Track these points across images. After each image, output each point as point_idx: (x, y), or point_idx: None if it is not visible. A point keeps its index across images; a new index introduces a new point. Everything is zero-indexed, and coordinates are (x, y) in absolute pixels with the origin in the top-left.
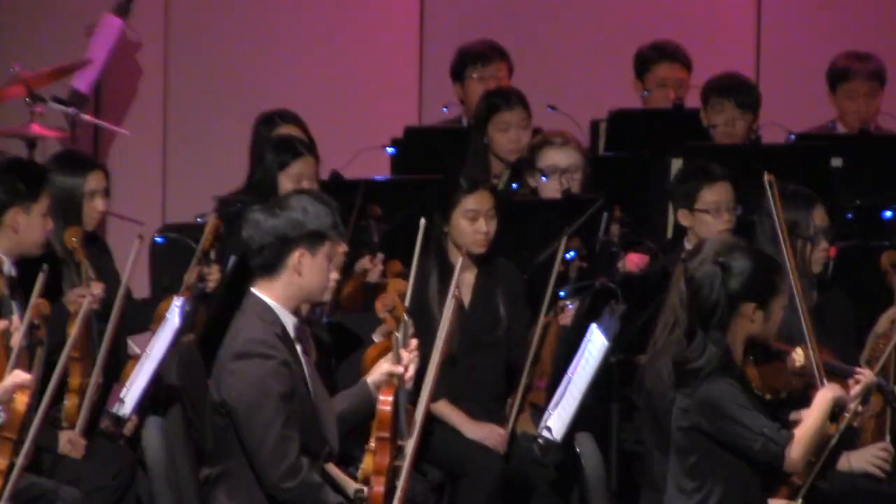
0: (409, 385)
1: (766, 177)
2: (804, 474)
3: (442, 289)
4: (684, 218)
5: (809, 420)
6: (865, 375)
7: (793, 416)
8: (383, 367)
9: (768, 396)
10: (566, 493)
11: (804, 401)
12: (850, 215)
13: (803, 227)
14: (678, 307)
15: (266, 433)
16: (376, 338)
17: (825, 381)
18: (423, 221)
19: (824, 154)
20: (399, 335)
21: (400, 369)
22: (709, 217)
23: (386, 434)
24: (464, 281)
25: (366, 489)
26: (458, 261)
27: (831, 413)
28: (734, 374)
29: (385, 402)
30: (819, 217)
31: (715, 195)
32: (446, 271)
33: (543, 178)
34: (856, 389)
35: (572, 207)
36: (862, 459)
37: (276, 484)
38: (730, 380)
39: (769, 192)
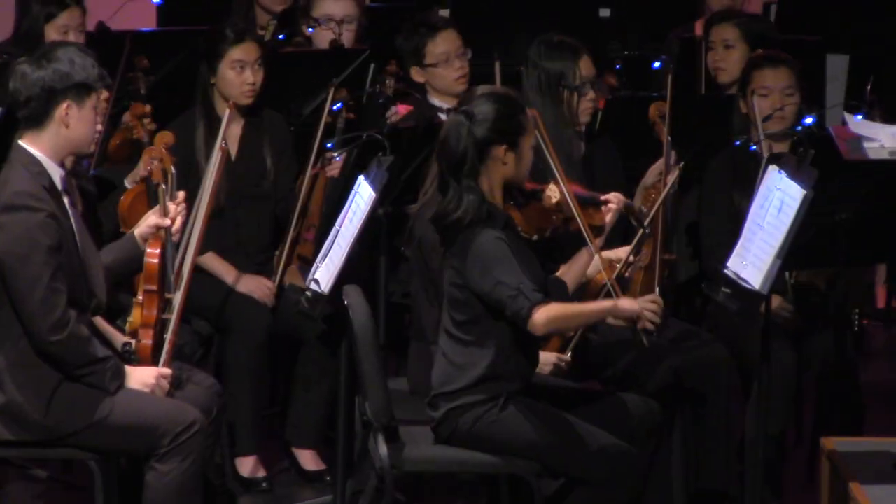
0: (176, 238)
1: (530, 112)
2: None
3: (209, 140)
4: (417, 75)
5: (577, 306)
6: (615, 199)
7: (561, 269)
8: (150, 220)
9: (535, 237)
10: (335, 345)
11: (567, 237)
12: (618, 66)
13: (569, 78)
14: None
15: (33, 286)
16: (128, 183)
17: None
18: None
19: (592, 4)
20: (165, 187)
21: (167, 221)
22: (439, 70)
23: (153, 287)
24: (231, 133)
25: (134, 342)
26: (225, 112)
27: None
28: (499, 221)
29: (152, 255)
30: (585, 67)
31: (441, 46)
32: (213, 123)
33: (310, 29)
34: (609, 217)
35: (340, 58)
36: None
37: (43, 337)
38: (495, 232)
39: (537, 129)
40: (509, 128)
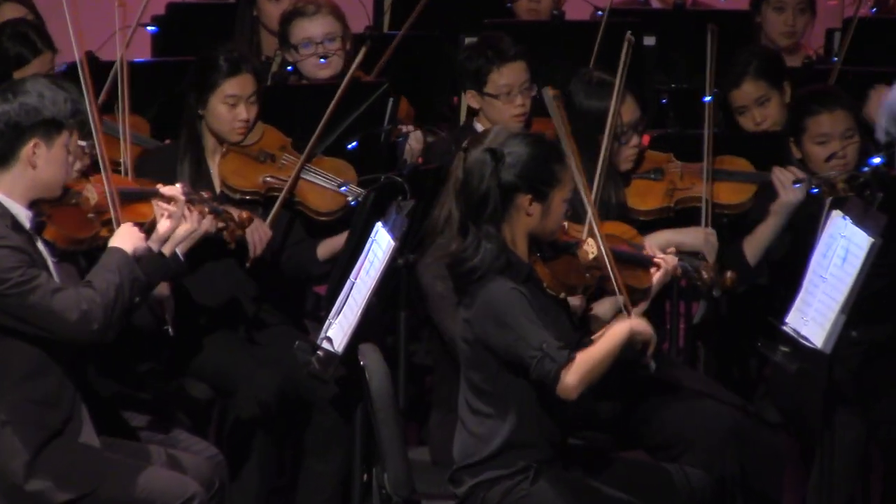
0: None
1: (550, 91)
2: None
3: (195, 180)
4: (473, 99)
5: (597, 348)
6: (667, 261)
7: (597, 335)
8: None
9: (563, 295)
10: (349, 410)
11: (600, 296)
12: (664, 100)
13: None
14: (452, 200)
15: (37, 305)
16: None
17: (618, 280)
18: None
19: (635, 31)
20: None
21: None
22: (499, 103)
23: None
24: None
25: None
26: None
27: (636, 348)
28: (519, 274)
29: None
30: (628, 111)
31: (506, 78)
32: (200, 160)
33: (289, 69)
34: (657, 276)
35: (355, 92)
36: None
37: (90, 332)
38: (513, 284)
39: (552, 107)
40: (539, 176)
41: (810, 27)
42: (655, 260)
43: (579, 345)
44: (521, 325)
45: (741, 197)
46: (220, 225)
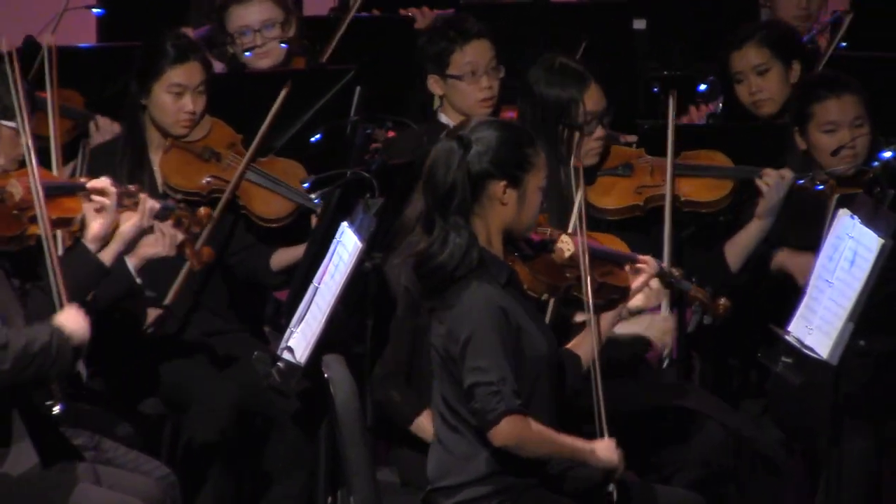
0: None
1: (574, 162)
2: None
3: (136, 174)
4: (436, 84)
5: (554, 437)
6: (648, 263)
7: (578, 316)
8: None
9: (545, 296)
10: (313, 426)
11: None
12: (656, 89)
13: (572, 113)
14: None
15: None
16: None
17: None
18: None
19: (624, 13)
20: None
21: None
22: (463, 84)
23: None
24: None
25: None
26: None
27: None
28: (500, 274)
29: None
30: (592, 99)
31: (469, 56)
32: (141, 154)
33: (248, 54)
34: (638, 280)
35: (318, 79)
36: None
37: None
38: (499, 297)
39: (573, 180)
40: (512, 160)
41: (824, 8)
42: (637, 264)
43: (559, 353)
44: (490, 351)
45: (717, 194)
46: (181, 236)
